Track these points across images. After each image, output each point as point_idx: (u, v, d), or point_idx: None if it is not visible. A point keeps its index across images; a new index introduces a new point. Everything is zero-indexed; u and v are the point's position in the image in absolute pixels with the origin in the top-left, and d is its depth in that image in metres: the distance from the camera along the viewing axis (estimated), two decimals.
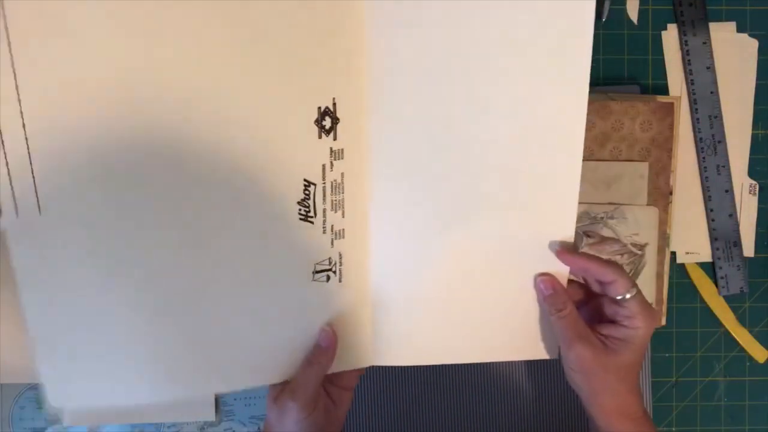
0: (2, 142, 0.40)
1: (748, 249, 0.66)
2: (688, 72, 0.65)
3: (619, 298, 0.49)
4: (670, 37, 0.66)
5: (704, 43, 0.65)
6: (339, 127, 0.45)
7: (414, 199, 0.48)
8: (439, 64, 0.45)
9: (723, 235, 0.65)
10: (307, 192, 0.46)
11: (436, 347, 0.53)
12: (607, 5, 0.65)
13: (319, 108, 0.44)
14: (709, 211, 0.66)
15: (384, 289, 0.50)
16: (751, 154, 0.66)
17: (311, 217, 0.47)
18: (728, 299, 0.66)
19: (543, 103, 0.46)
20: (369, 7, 0.43)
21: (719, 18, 0.65)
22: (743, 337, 0.66)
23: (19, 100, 0.40)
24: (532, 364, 0.65)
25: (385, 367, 0.64)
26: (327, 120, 0.45)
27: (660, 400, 0.66)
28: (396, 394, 0.65)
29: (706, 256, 0.66)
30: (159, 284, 0.45)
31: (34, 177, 0.41)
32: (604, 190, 0.61)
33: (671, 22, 0.66)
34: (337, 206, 0.47)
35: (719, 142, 0.65)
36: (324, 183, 0.46)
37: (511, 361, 0.65)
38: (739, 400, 0.67)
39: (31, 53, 0.39)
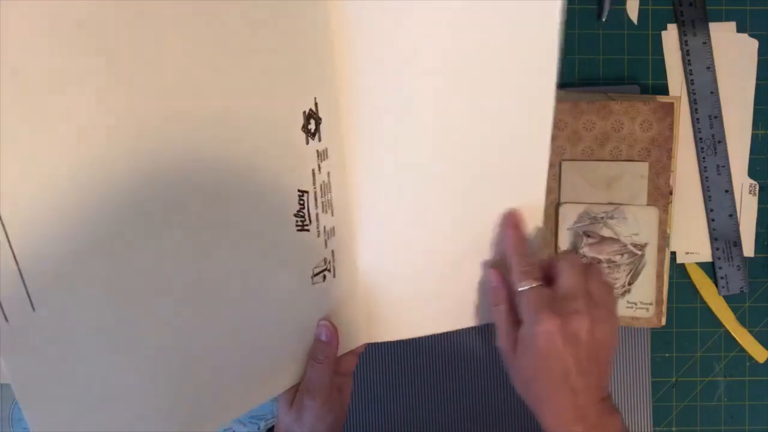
0: None
1: (748, 249, 0.66)
2: (688, 72, 0.65)
3: (518, 289, 0.47)
4: (670, 37, 0.66)
5: (704, 43, 0.65)
6: (321, 126, 0.43)
7: (394, 183, 0.48)
8: (414, 53, 0.44)
9: (723, 235, 0.65)
10: (302, 202, 0.44)
11: (426, 318, 0.53)
12: (607, 5, 0.65)
13: (304, 112, 0.42)
14: (709, 211, 0.66)
15: (373, 268, 0.51)
16: (751, 154, 0.66)
17: (307, 225, 0.45)
18: (728, 299, 0.66)
19: (513, 88, 0.46)
20: (341, 6, 0.42)
21: (719, 18, 0.65)
22: (743, 337, 0.66)
23: None
24: None
25: (389, 362, 0.64)
26: (312, 123, 0.43)
27: (660, 400, 0.66)
28: (399, 390, 0.65)
29: (706, 256, 0.66)
30: (165, 337, 0.42)
31: (20, 270, 0.34)
32: (604, 190, 0.61)
33: (671, 22, 0.66)
34: (326, 206, 0.46)
35: (719, 142, 0.65)
36: (315, 188, 0.45)
37: None
38: (739, 400, 0.67)
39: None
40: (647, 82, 0.66)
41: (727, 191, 0.65)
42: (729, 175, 0.65)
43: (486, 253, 0.51)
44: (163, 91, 0.36)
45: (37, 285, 0.35)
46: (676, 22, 0.65)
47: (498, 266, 0.50)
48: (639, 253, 0.61)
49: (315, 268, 0.48)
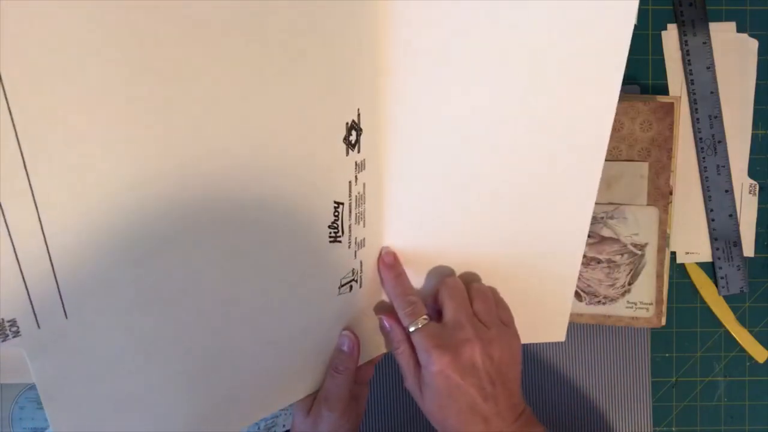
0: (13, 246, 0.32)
1: (748, 249, 0.66)
2: (688, 72, 0.65)
3: (408, 331, 0.47)
4: (670, 37, 0.66)
5: (704, 43, 0.65)
6: (362, 138, 0.41)
7: (426, 194, 0.47)
8: (460, 63, 0.42)
9: (723, 235, 0.65)
10: (336, 213, 0.43)
11: None
12: None
13: (347, 123, 0.40)
14: (709, 211, 0.66)
15: None
16: (751, 154, 0.66)
17: (340, 236, 0.44)
18: (728, 299, 0.66)
19: (569, 109, 0.45)
20: (391, 7, 0.39)
21: (719, 18, 0.65)
22: (743, 337, 0.66)
23: (32, 189, 0.31)
24: (537, 364, 0.65)
25: (386, 366, 0.64)
26: (353, 134, 0.41)
27: (660, 400, 0.66)
28: (398, 393, 0.65)
29: (706, 256, 0.66)
30: (194, 347, 0.41)
31: (56, 279, 0.34)
32: (604, 190, 0.61)
33: (671, 22, 0.66)
34: (359, 218, 0.45)
35: (719, 142, 0.65)
36: (350, 199, 0.43)
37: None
38: (739, 400, 0.67)
39: (42, 140, 0.30)
40: (647, 82, 0.66)
41: (727, 191, 0.65)
42: (729, 175, 0.65)
43: (519, 274, 0.51)
44: (207, 110, 0.35)
45: (72, 294, 0.34)
46: (676, 22, 0.65)
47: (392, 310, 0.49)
48: (639, 253, 0.61)
49: (343, 278, 0.47)
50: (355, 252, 0.46)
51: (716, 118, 0.65)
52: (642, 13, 0.66)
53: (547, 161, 0.46)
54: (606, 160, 0.61)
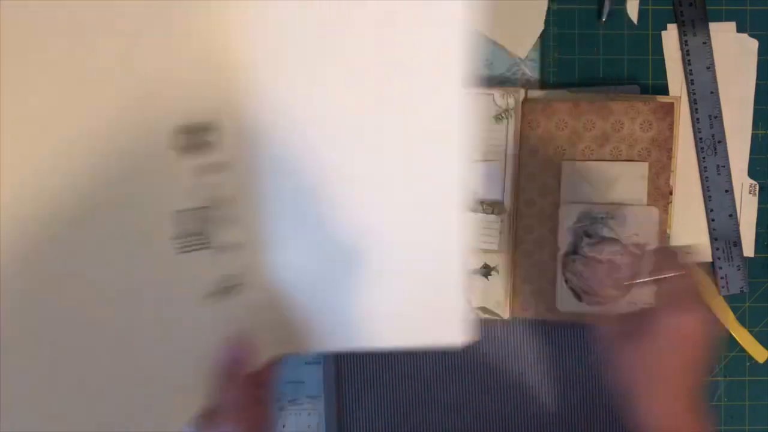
0: None
1: (748, 249, 0.66)
2: (688, 72, 0.65)
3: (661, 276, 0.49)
4: (670, 37, 0.66)
5: (704, 43, 0.65)
6: (223, 138, 0.41)
7: (301, 194, 0.46)
8: (313, 60, 0.42)
9: (723, 235, 0.65)
10: (182, 222, 0.41)
11: (347, 332, 0.50)
12: (607, 5, 0.65)
13: (182, 126, 0.39)
14: (709, 211, 0.66)
15: (291, 278, 0.48)
16: (751, 154, 0.66)
17: (195, 245, 0.42)
18: (728, 299, 0.66)
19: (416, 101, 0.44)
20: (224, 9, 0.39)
21: (719, 18, 0.65)
22: (743, 337, 0.66)
23: None
24: (535, 364, 0.65)
25: (386, 366, 0.64)
26: (197, 136, 0.40)
27: None
28: (397, 393, 0.65)
29: (706, 256, 0.66)
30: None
31: None
32: (604, 190, 0.61)
33: (671, 22, 0.66)
34: (228, 221, 0.44)
35: (719, 142, 0.65)
36: (207, 204, 0.42)
37: (516, 359, 0.65)
38: (739, 400, 0.67)
39: None
40: (647, 82, 0.66)
41: (727, 191, 0.65)
42: (729, 175, 0.65)
43: (412, 270, 0.48)
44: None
45: None
46: (676, 22, 0.65)
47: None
48: (639, 253, 0.61)
49: (216, 285, 0.45)
50: (230, 256, 0.45)
51: (716, 118, 0.65)
52: (642, 13, 0.66)
53: (402, 152, 0.45)
54: (606, 160, 0.61)
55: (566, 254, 0.62)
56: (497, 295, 0.63)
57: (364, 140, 0.45)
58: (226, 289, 0.45)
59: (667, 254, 0.49)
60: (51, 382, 0.38)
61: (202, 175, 0.41)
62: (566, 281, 0.62)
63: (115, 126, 0.36)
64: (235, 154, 0.42)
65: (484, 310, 0.63)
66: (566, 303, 0.62)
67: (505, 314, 0.63)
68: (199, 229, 0.42)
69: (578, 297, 0.62)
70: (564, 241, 0.62)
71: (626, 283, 0.51)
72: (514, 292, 0.63)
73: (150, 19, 0.36)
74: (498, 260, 0.63)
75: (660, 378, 0.46)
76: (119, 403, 0.42)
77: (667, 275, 0.46)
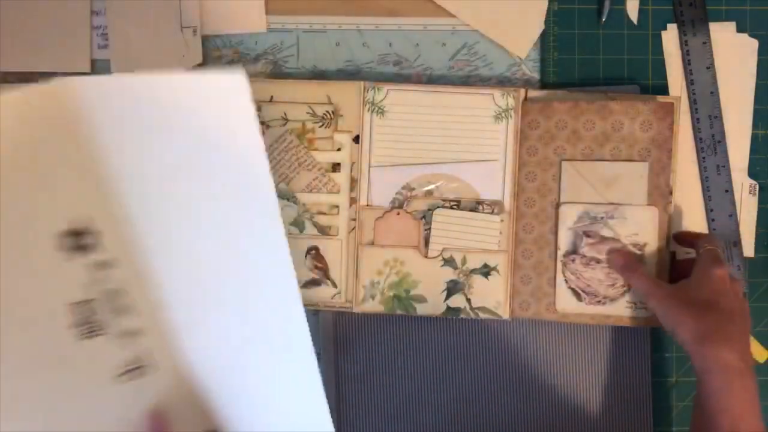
0: None
1: (748, 249, 0.66)
2: (688, 72, 0.65)
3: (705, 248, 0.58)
4: (670, 37, 0.66)
5: (704, 43, 0.65)
6: (103, 239, 0.47)
7: (197, 280, 0.51)
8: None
9: (723, 235, 0.65)
10: (79, 312, 0.47)
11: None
12: (607, 5, 0.65)
13: (68, 231, 0.46)
14: (709, 211, 0.66)
15: (200, 360, 0.53)
16: (751, 154, 0.66)
17: (95, 332, 0.48)
18: None
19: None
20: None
21: (719, 18, 0.65)
22: None
23: None
24: (533, 362, 0.65)
25: (386, 366, 0.64)
26: (83, 238, 0.46)
27: (660, 400, 0.66)
28: (397, 394, 0.65)
29: None
30: None
31: None
32: (603, 190, 0.61)
33: (671, 22, 0.66)
34: (124, 310, 0.49)
35: (719, 142, 0.65)
36: (97, 296, 0.48)
37: (516, 359, 0.65)
38: None
39: None
40: (647, 82, 0.66)
41: (727, 191, 0.65)
42: (729, 175, 0.65)
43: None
44: None
45: None
46: (676, 22, 0.65)
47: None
48: (638, 253, 0.61)
49: (120, 367, 0.50)
50: (131, 341, 0.50)
51: (716, 118, 0.65)
52: (642, 13, 0.66)
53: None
54: (606, 160, 0.61)
55: (566, 254, 0.62)
56: (497, 295, 0.63)
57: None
58: (133, 371, 0.50)
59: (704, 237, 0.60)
60: None
61: (92, 271, 0.47)
62: (566, 281, 0.62)
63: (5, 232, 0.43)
64: (119, 252, 0.48)
65: (483, 310, 0.63)
66: (566, 303, 0.62)
67: (505, 314, 0.63)
68: (96, 318, 0.48)
69: (578, 297, 0.62)
70: (564, 241, 0.62)
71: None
72: (514, 292, 0.63)
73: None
74: (498, 260, 0.63)
75: (717, 320, 0.55)
76: None
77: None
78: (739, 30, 0.66)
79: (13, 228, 0.44)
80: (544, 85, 0.66)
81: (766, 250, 0.67)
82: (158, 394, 0.52)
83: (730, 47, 0.65)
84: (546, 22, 0.65)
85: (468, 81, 0.66)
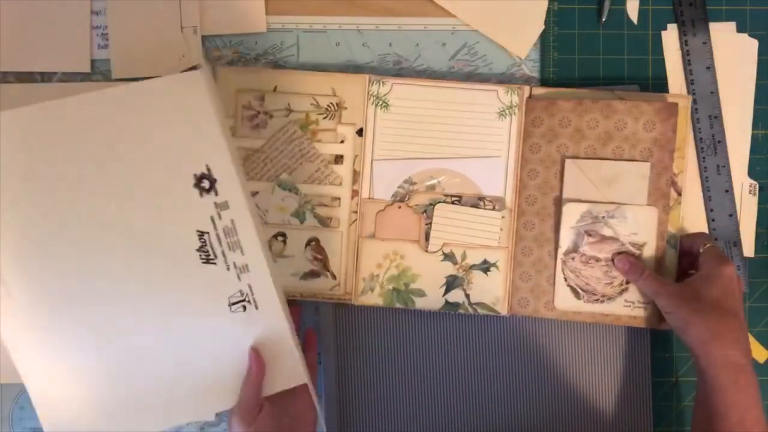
0: None
1: (748, 249, 0.66)
2: (688, 72, 0.65)
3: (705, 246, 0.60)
4: (670, 37, 0.66)
5: (704, 43, 0.65)
6: (218, 185, 0.55)
7: None
8: None
9: (723, 235, 0.66)
10: (202, 240, 0.56)
11: None
12: (607, 5, 0.65)
13: (195, 175, 0.55)
14: (709, 211, 0.66)
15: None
16: (751, 154, 0.66)
17: (213, 259, 0.56)
18: None
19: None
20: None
21: (719, 18, 0.66)
22: None
23: None
24: (536, 361, 0.65)
25: (386, 365, 0.64)
26: (205, 182, 0.55)
27: (660, 400, 0.66)
28: (397, 392, 0.65)
29: None
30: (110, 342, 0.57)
31: None
32: (605, 189, 0.61)
33: (671, 22, 0.66)
34: (233, 246, 0.56)
35: (719, 142, 0.65)
36: (216, 230, 0.56)
37: (515, 356, 0.65)
38: None
39: None
40: (647, 81, 0.66)
41: (727, 191, 0.65)
42: (729, 175, 0.65)
43: None
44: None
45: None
46: (676, 22, 0.66)
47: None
48: (637, 252, 0.61)
49: (231, 297, 0.57)
50: (238, 275, 0.56)
51: (716, 118, 0.65)
52: (642, 13, 0.66)
53: None
54: (608, 158, 0.61)
55: (566, 252, 0.62)
56: (496, 292, 0.63)
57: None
58: (240, 303, 0.57)
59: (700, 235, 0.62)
60: (107, 378, 0.57)
61: (214, 209, 0.56)
62: (565, 279, 0.62)
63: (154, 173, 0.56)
64: (229, 197, 0.55)
65: (482, 306, 0.63)
66: (565, 300, 0.62)
67: (504, 310, 0.63)
68: (214, 249, 0.56)
69: (576, 295, 0.62)
70: (565, 238, 0.62)
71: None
72: (513, 289, 0.63)
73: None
74: (498, 256, 0.63)
75: (725, 320, 0.56)
76: (160, 395, 0.58)
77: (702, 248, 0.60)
78: (739, 30, 0.66)
79: (173, 167, 0.55)
80: (544, 84, 0.65)
81: (766, 250, 0.67)
82: (260, 333, 0.58)
83: (730, 47, 0.66)
84: (546, 22, 0.65)
85: (468, 81, 0.66)
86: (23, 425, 0.64)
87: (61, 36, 0.63)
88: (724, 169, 0.65)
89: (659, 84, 0.66)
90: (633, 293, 0.62)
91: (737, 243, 0.66)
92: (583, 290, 0.62)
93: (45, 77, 0.64)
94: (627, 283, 0.62)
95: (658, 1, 0.66)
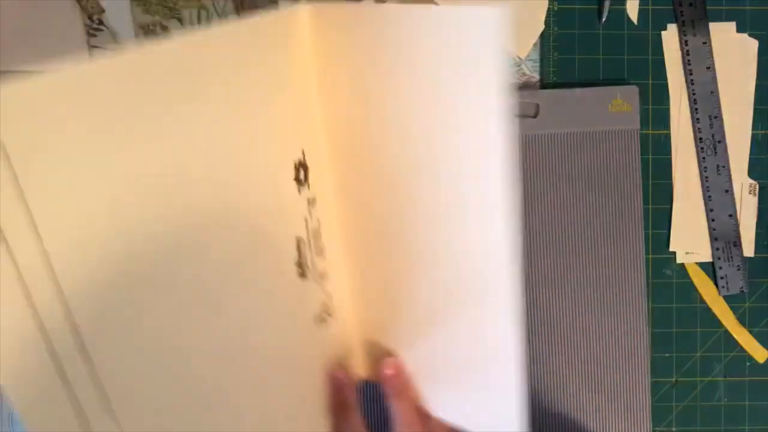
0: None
1: (748, 249, 0.66)
2: (688, 72, 0.65)
3: None
4: (670, 37, 0.66)
5: (704, 43, 0.65)
6: (310, 175, 0.43)
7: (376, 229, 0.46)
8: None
9: (723, 235, 0.66)
10: (299, 249, 0.44)
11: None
12: (607, 5, 0.65)
13: (295, 163, 0.42)
14: (709, 211, 0.66)
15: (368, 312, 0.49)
16: (751, 154, 0.66)
17: (307, 271, 0.45)
18: (728, 299, 0.66)
19: None
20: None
21: (719, 18, 0.66)
22: (743, 337, 0.66)
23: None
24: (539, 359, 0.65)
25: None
26: (302, 172, 0.42)
27: (660, 400, 0.66)
28: None
29: (706, 256, 0.66)
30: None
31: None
32: None
33: (671, 22, 0.66)
34: (320, 251, 0.46)
35: (719, 142, 0.65)
36: (308, 234, 0.44)
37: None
38: (739, 400, 0.67)
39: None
40: (647, 81, 0.66)
41: (727, 191, 0.65)
42: (729, 175, 0.65)
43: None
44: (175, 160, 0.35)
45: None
46: (676, 22, 0.65)
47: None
48: None
49: (317, 312, 0.47)
50: (321, 284, 0.46)
51: (716, 118, 0.65)
52: (642, 13, 0.66)
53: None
54: None
55: None
56: None
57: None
58: (322, 315, 0.47)
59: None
60: (182, 387, 0.39)
61: (307, 207, 0.43)
62: None
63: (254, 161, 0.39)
64: (317, 191, 0.44)
65: None
66: None
67: None
68: (305, 257, 0.44)
69: None
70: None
71: None
72: None
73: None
74: None
75: None
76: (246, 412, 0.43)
77: None
78: (739, 30, 0.66)
79: (278, 153, 0.41)
80: (543, 85, 0.66)
81: (766, 250, 0.67)
82: (335, 342, 0.49)
83: (730, 47, 0.65)
84: (546, 22, 0.65)
85: None
86: (23, 425, 0.64)
87: (60, 35, 0.63)
88: (724, 169, 0.65)
89: (659, 84, 0.66)
90: None
91: (737, 243, 0.66)
92: None
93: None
94: None
95: (658, 1, 0.66)
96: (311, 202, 0.43)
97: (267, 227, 0.41)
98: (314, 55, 0.41)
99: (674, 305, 0.66)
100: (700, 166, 0.65)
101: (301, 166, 0.42)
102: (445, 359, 0.47)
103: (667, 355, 0.66)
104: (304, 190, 0.43)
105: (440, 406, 0.49)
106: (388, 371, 0.48)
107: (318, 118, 0.42)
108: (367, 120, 0.42)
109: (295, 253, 0.43)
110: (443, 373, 0.48)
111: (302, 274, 0.44)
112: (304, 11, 0.41)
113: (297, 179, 0.42)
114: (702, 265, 0.66)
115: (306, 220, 0.43)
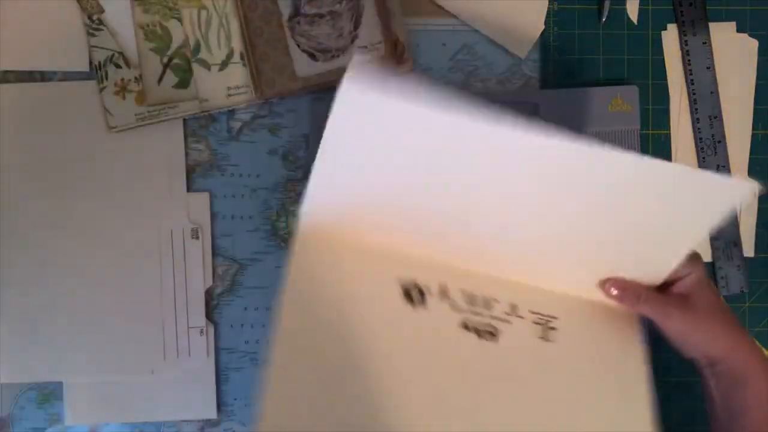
0: None
1: (748, 249, 0.66)
2: (688, 72, 0.65)
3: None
4: (670, 37, 0.66)
5: (704, 43, 0.65)
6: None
7: None
8: None
9: (723, 235, 0.66)
10: None
11: None
12: (607, 5, 0.65)
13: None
14: None
15: None
16: (751, 154, 0.66)
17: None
18: (728, 299, 0.66)
19: None
20: None
21: (719, 18, 0.66)
22: None
23: None
24: None
25: None
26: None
27: (660, 400, 0.66)
28: None
29: (706, 256, 0.66)
30: None
31: None
32: None
33: (671, 22, 0.66)
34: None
35: (719, 142, 0.65)
36: None
37: None
38: None
39: None
40: (647, 81, 0.66)
41: None
42: (729, 175, 0.65)
43: None
44: None
45: None
46: (676, 22, 0.66)
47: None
48: None
49: None
50: None
51: (716, 118, 0.65)
52: (642, 13, 0.66)
53: None
54: None
55: (290, 18, 0.62)
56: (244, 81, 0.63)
57: None
58: None
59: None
60: None
61: None
62: (298, 45, 0.63)
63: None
64: None
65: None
66: (304, 67, 0.63)
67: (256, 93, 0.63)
68: None
69: (313, 57, 0.63)
70: (285, 4, 0.62)
71: None
72: (258, 73, 0.63)
73: None
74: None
75: (725, 309, 0.53)
76: None
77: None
78: (739, 30, 0.66)
79: None
80: (543, 85, 0.66)
81: (766, 250, 0.67)
82: None
83: (730, 47, 0.65)
84: (546, 22, 0.65)
85: (468, 81, 0.66)
86: (23, 425, 0.64)
87: (60, 35, 0.63)
88: (724, 169, 0.65)
89: (659, 84, 0.66)
90: (363, 38, 0.63)
91: (737, 243, 0.66)
92: (318, 51, 0.63)
93: (45, 77, 0.64)
94: (355, 29, 0.63)
95: (658, 1, 0.66)
96: None
97: None
98: None
99: None
100: (700, 166, 0.65)
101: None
102: None
103: (667, 355, 0.66)
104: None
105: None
106: (615, 292, 0.53)
107: None
108: None
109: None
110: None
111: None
112: None
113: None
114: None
115: None
